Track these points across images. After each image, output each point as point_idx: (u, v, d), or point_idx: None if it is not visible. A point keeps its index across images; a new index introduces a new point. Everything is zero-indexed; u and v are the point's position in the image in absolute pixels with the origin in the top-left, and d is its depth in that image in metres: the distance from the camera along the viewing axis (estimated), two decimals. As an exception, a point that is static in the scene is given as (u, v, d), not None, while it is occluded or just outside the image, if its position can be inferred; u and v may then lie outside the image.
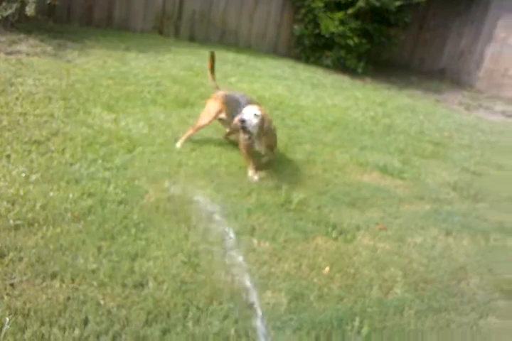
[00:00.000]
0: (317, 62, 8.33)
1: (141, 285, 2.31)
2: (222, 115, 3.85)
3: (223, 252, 2.66)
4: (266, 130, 3.43)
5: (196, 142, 4.02)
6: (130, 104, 4.65)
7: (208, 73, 4.15)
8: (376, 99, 7.03)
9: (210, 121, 3.92)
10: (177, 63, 6.49)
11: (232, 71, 6.65)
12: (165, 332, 2.07)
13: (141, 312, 2.14)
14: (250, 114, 3.33)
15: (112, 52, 6.40)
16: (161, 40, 7.63)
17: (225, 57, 7.30)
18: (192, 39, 8.14)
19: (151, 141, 3.90)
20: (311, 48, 8.43)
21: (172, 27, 8.15)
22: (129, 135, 3.92)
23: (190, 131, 3.96)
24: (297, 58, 8.48)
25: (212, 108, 3.89)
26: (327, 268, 2.67)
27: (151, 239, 2.66)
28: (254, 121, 3.34)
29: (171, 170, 3.48)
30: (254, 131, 3.37)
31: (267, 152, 3.71)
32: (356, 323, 2.30)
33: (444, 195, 3.95)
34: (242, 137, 3.46)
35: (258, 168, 3.65)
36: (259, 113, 3.36)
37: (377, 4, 7.78)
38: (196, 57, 6.93)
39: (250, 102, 3.61)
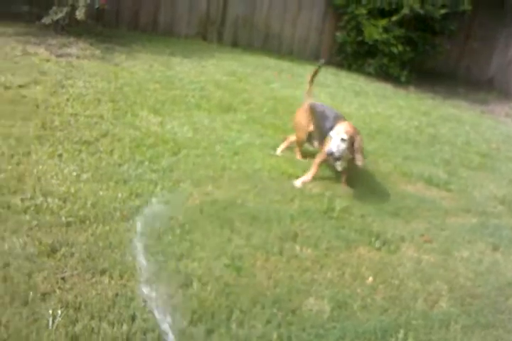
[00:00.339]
0: (359, 70, 8.28)
1: (185, 285, 2.35)
2: (310, 127, 3.88)
3: (266, 256, 2.68)
4: (358, 148, 3.39)
5: (240, 147, 4.06)
6: (175, 107, 4.74)
7: (307, 86, 4.11)
8: (420, 108, 6.93)
9: (306, 134, 3.93)
10: (220, 68, 6.57)
11: (274, 77, 6.68)
12: (209, 332, 2.09)
13: (186, 311, 2.17)
14: (337, 142, 3.31)
15: (158, 56, 6.55)
16: (205, 46, 7.75)
17: (267, 63, 7.35)
18: (235, 44, 8.23)
19: (195, 144, 3.97)
20: (354, 55, 8.39)
21: (215, 32, 8.27)
22: (174, 138, 4.00)
23: (287, 143, 4.10)
24: (339, 65, 8.45)
25: (302, 121, 3.93)
26: (370, 278, 2.64)
27: (196, 241, 2.70)
28: (342, 146, 3.32)
29: (215, 174, 3.52)
30: (344, 155, 3.37)
31: (344, 169, 3.63)
32: (401, 335, 2.26)
33: (491, 209, 3.85)
34: (325, 152, 3.44)
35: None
36: (345, 136, 3.33)
37: (422, 12, 7.68)
38: (239, 63, 7.01)
39: (337, 117, 3.58)
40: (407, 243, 3.10)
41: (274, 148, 4.14)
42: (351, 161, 3.49)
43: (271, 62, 7.52)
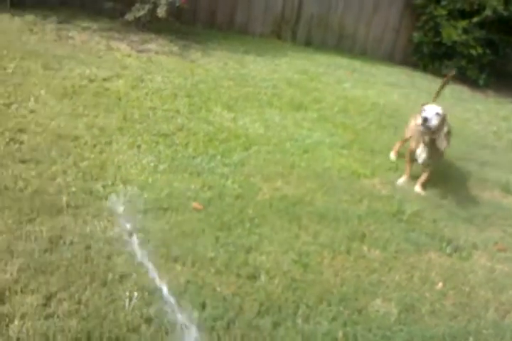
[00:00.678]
0: (435, 71, 8.00)
1: (254, 277, 2.41)
2: None
3: (333, 255, 2.68)
4: (445, 132, 3.37)
5: (309, 145, 4.08)
6: (248, 104, 4.82)
7: (436, 92, 4.03)
8: (499, 112, 6.61)
9: (411, 136, 3.87)
10: (293, 67, 6.60)
11: (346, 77, 6.62)
12: (275, 325, 2.13)
13: (254, 303, 2.23)
14: (432, 112, 3.27)
15: (232, 54, 6.67)
16: (279, 44, 7.80)
17: (340, 63, 7.29)
18: (308, 43, 8.21)
19: (266, 141, 4.03)
20: (430, 56, 8.12)
21: (289, 31, 8.29)
22: (246, 134, 4.07)
23: (398, 144, 4.13)
24: (414, 66, 8.22)
25: (411, 123, 3.93)
26: (440, 284, 2.58)
27: (264, 235, 2.75)
28: (435, 119, 3.27)
29: (284, 171, 3.56)
30: (432, 128, 3.29)
31: (428, 162, 3.58)
32: (470, 343, 2.20)
33: None
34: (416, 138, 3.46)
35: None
36: (441, 112, 3.30)
37: (505, 13, 7.33)
38: (311, 62, 7.00)
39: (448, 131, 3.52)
40: (480, 251, 3.00)
41: (344, 148, 4.12)
42: (434, 158, 3.45)
43: (343, 61, 7.45)
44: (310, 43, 8.24)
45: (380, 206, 3.27)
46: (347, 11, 8.38)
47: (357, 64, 7.44)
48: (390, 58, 8.50)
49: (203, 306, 2.16)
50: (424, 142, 3.47)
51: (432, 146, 3.44)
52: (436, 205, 3.42)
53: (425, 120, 3.23)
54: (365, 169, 3.76)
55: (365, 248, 2.79)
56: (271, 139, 4.07)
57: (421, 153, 3.54)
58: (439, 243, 2.96)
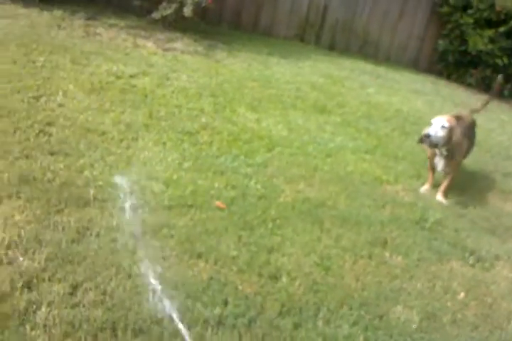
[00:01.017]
0: (459, 80, 7.95)
1: (275, 277, 2.42)
2: None
3: (354, 259, 2.68)
4: (455, 144, 3.38)
5: (332, 149, 4.08)
6: (271, 106, 4.84)
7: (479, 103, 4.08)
8: (524, 124, 6.54)
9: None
10: (316, 70, 6.60)
11: (370, 82, 6.61)
12: (296, 326, 2.14)
13: (275, 303, 2.23)
14: (436, 127, 3.29)
15: (256, 56, 6.70)
16: (302, 47, 7.81)
17: (364, 68, 7.28)
18: (332, 48, 8.21)
19: (289, 143, 4.04)
20: (455, 65, 8.07)
21: (313, 35, 8.30)
22: (269, 135, 4.09)
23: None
24: (438, 74, 8.17)
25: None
26: (462, 294, 2.56)
27: (286, 236, 2.76)
28: (440, 133, 3.29)
29: (307, 173, 3.57)
30: (440, 143, 3.32)
31: (447, 171, 3.58)
32: (492, 355, 2.19)
33: None
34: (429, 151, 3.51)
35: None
36: (447, 124, 3.30)
37: (534, 23, 7.25)
38: (335, 66, 7.00)
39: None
40: (503, 262, 2.97)
41: (367, 153, 4.12)
42: (451, 167, 3.44)
43: (367, 67, 7.43)
44: (333, 48, 8.24)
45: (403, 213, 3.25)
46: (372, 17, 8.37)
47: (381, 70, 7.42)
48: (414, 65, 8.46)
49: (225, 303, 2.17)
50: (439, 152, 3.47)
51: (447, 155, 3.44)
52: (458, 215, 3.40)
53: (427, 136, 3.25)
54: (388, 175, 3.75)
55: (387, 254, 2.78)
56: (294, 142, 4.07)
57: (438, 162, 3.54)
58: (461, 253, 2.94)
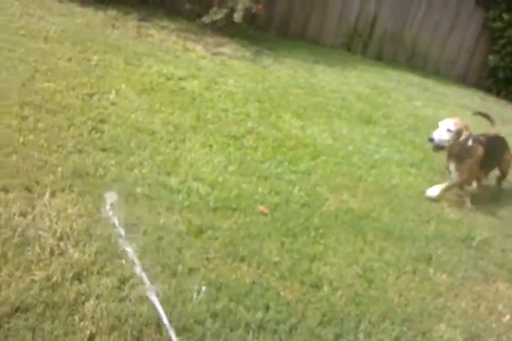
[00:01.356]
0: (509, 97, 7.76)
1: (317, 286, 2.40)
2: None
3: (397, 274, 2.64)
4: (466, 147, 3.35)
5: (377, 160, 4.04)
6: (316, 114, 4.84)
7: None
8: None
9: None
10: (362, 80, 6.56)
11: (418, 95, 6.52)
12: (337, 336, 2.12)
13: (316, 311, 2.22)
14: (442, 131, 3.31)
15: (303, 63, 6.71)
16: (348, 57, 7.78)
17: (411, 80, 7.19)
18: (379, 58, 8.15)
19: (333, 152, 4.02)
20: (505, 81, 7.88)
21: (361, 44, 8.26)
22: (314, 143, 4.09)
23: None
24: (487, 90, 7.99)
25: None
26: (508, 316, 2.49)
27: (329, 246, 2.74)
28: (445, 136, 3.31)
29: (351, 184, 3.54)
30: (445, 146, 3.33)
31: (457, 175, 3.54)
32: (538, 382, 2.11)
33: None
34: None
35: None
36: (452, 128, 3.29)
37: None
38: (382, 77, 6.94)
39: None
40: (553, 288, 2.86)
41: (413, 166, 4.06)
42: (463, 170, 3.45)
43: (415, 79, 7.34)
44: (380, 58, 8.18)
45: (449, 229, 3.19)
46: (422, 29, 8.27)
47: (429, 83, 7.32)
48: (462, 80, 8.31)
49: (267, 308, 2.17)
50: (450, 156, 3.49)
51: (457, 160, 3.45)
52: (506, 235, 3.31)
53: (431, 140, 3.30)
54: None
55: (431, 270, 2.73)
56: (338, 151, 4.06)
57: (450, 165, 3.56)
58: (507, 274, 2.86)
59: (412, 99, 6.25)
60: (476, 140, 3.42)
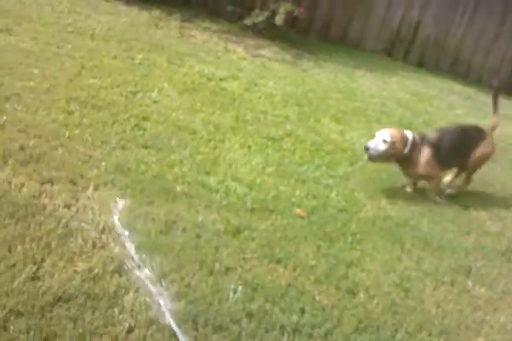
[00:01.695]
0: (555, 109, 7.50)
1: (352, 292, 2.38)
2: None
3: (435, 284, 2.59)
4: (410, 153, 3.34)
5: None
6: (355, 119, 4.80)
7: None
8: None
9: None
10: (403, 87, 6.47)
11: (459, 103, 6.39)
12: (373, 344, 2.10)
13: (352, 318, 2.20)
14: (377, 141, 3.31)
15: (342, 67, 6.67)
16: (389, 62, 7.68)
17: (453, 88, 7.05)
18: (420, 65, 8.00)
19: (372, 157, 3.97)
20: (551, 92, 7.63)
21: (402, 50, 8.14)
22: (352, 148, 4.05)
23: None
24: (531, 100, 7.75)
25: None
26: (549, 333, 2.40)
27: (366, 252, 2.71)
28: (381, 147, 3.27)
29: (390, 190, 3.50)
30: (379, 157, 3.33)
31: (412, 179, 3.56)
32: None
33: None
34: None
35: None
36: (388, 139, 3.27)
37: None
38: (423, 84, 6.83)
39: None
40: None
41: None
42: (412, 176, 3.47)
43: (456, 87, 7.18)
44: (422, 64, 8.03)
45: (489, 242, 3.11)
46: (466, 36, 8.08)
47: (471, 91, 7.15)
48: (507, 89, 8.07)
49: (302, 312, 2.16)
50: (400, 164, 3.48)
51: (403, 166, 3.45)
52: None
53: (367, 149, 3.30)
54: (474, 201, 3.60)
55: (469, 283, 2.66)
56: (377, 157, 4.00)
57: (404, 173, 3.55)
58: (550, 290, 2.76)
59: (454, 107, 6.12)
60: (419, 143, 3.37)
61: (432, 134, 3.48)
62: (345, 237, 2.79)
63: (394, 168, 3.87)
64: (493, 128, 3.79)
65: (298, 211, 2.95)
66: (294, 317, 2.11)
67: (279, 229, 2.72)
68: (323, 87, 5.56)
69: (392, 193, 3.46)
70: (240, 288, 2.19)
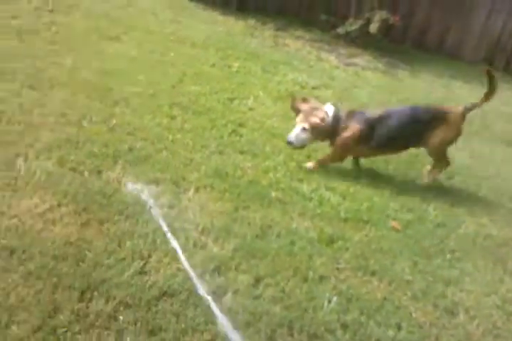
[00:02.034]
0: None
1: (451, 312, 2.28)
2: None
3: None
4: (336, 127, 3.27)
5: None
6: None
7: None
8: None
9: None
10: (504, 99, 6.07)
11: None
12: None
13: (451, 338, 2.11)
14: (297, 130, 3.26)
15: (438, 77, 6.45)
16: (489, 73, 7.28)
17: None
18: (523, 76, 7.54)
19: (472, 172, 3.81)
20: None
21: (503, 60, 7.70)
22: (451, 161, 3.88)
23: None
24: None
25: None
26: None
27: (466, 271, 2.59)
28: (302, 136, 3.26)
29: (491, 208, 3.32)
30: (305, 143, 3.31)
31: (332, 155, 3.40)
32: None
33: None
34: None
35: None
36: (307, 126, 3.23)
37: None
38: (527, 96, 6.40)
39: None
40: None
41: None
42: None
43: None
44: (525, 76, 7.54)
45: None
46: None
47: None
48: None
49: (399, 327, 2.11)
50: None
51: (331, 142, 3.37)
52: None
53: (290, 143, 3.28)
54: None
55: None
56: (477, 171, 3.82)
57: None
58: None
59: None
60: (346, 118, 3.28)
61: (373, 112, 3.35)
62: (444, 254, 2.69)
63: (495, 183, 3.69)
64: (470, 109, 3.61)
65: (393, 223, 2.89)
66: (390, 332, 2.07)
67: (374, 240, 2.67)
68: (418, 96, 5.39)
69: (494, 211, 3.28)
70: (334, 298, 2.18)
